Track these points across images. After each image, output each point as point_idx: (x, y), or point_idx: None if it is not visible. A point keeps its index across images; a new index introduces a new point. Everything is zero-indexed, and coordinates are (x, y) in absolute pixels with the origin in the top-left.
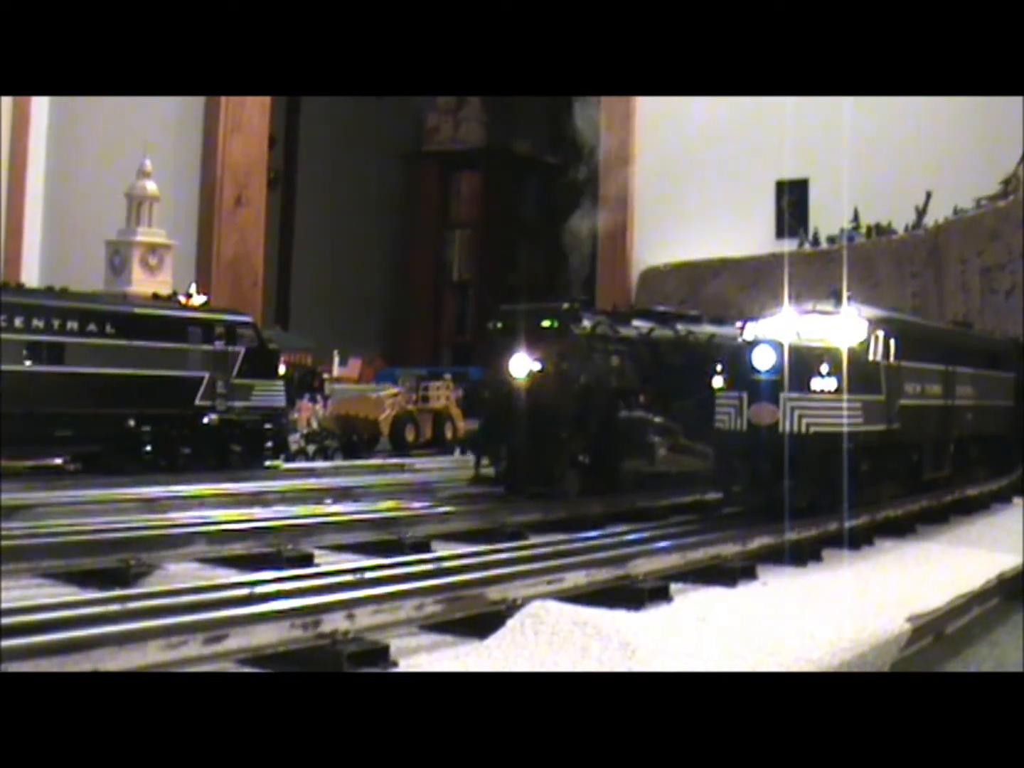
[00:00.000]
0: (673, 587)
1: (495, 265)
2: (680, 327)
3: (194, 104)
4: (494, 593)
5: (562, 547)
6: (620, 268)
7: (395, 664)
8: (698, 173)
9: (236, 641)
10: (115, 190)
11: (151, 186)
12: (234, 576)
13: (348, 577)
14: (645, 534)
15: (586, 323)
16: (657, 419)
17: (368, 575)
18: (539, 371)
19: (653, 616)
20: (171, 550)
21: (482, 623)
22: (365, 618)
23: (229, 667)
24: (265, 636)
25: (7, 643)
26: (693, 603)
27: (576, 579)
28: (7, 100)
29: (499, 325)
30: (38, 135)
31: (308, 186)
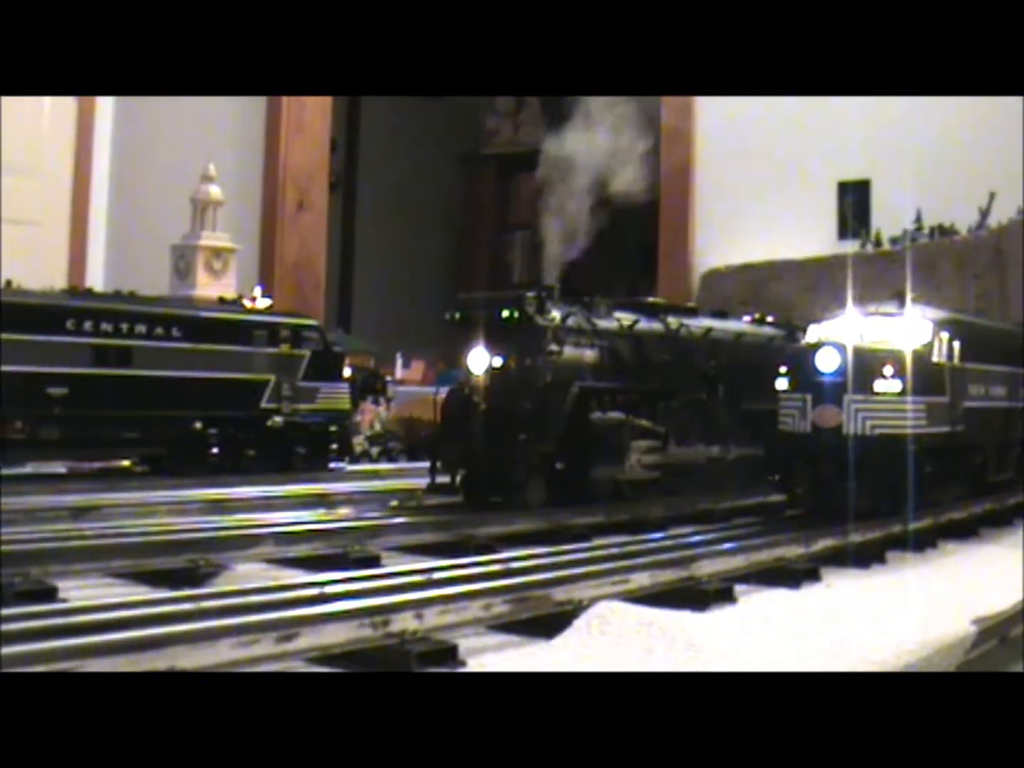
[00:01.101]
0: (737, 588)
1: (555, 267)
2: (672, 320)
3: (255, 109)
4: (561, 594)
5: (627, 548)
6: (681, 270)
7: (463, 664)
8: (758, 174)
9: (307, 640)
10: (178, 194)
11: (215, 190)
12: (303, 576)
13: (417, 577)
14: (708, 535)
15: (555, 314)
16: (640, 421)
17: (436, 575)
18: (499, 367)
19: (718, 617)
20: (239, 551)
21: (549, 624)
22: (433, 618)
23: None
24: (335, 635)
25: (83, 640)
26: (757, 604)
27: (641, 580)
28: (71, 105)
29: (456, 316)
30: (102, 140)
31: (369, 189)
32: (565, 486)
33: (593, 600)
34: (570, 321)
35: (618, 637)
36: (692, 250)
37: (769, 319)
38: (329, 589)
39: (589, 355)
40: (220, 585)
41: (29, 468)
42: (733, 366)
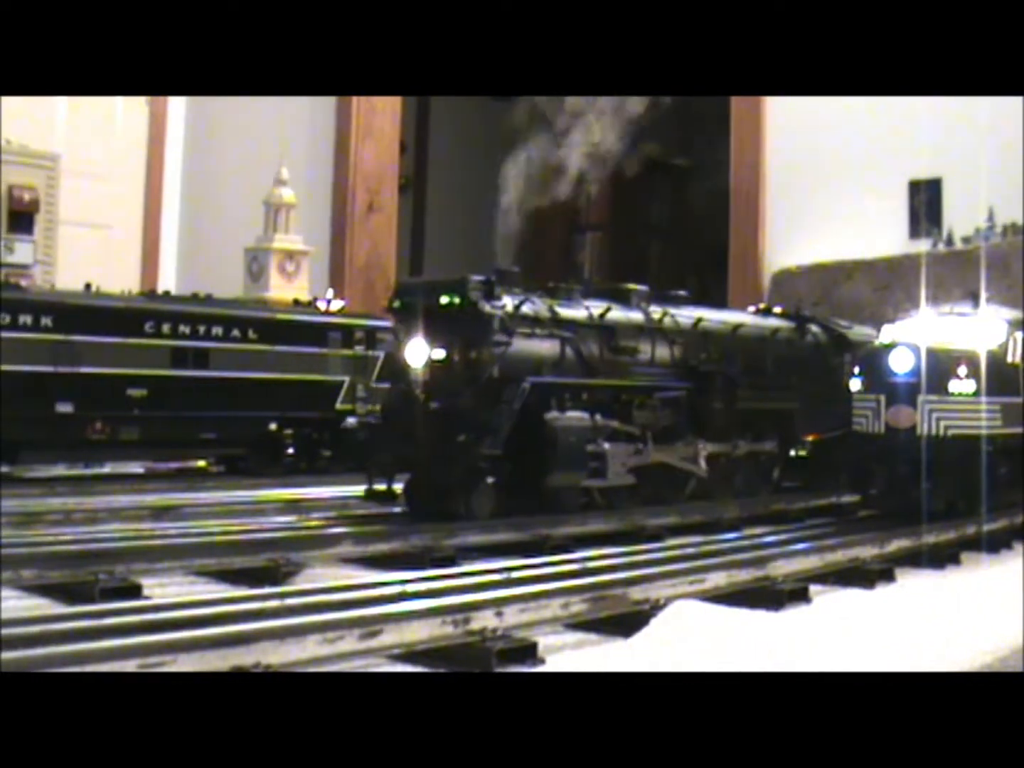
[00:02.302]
0: (812, 589)
1: (626, 268)
2: (654, 309)
3: (325, 112)
4: (637, 593)
5: (702, 548)
6: (752, 270)
7: (542, 661)
8: (829, 173)
9: (390, 637)
10: (250, 197)
11: (288, 193)
12: (382, 575)
13: (495, 576)
14: (782, 536)
15: (506, 300)
16: (608, 422)
17: (515, 574)
18: (441, 360)
19: (793, 617)
20: (317, 550)
21: (626, 622)
22: (513, 616)
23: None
24: (417, 633)
25: (171, 636)
26: (832, 605)
27: (717, 580)
28: (143, 111)
29: (397, 304)
30: (175, 143)
31: (438, 191)
32: (524, 494)
33: (669, 599)
34: (525, 309)
35: (694, 636)
36: (763, 250)
37: (776, 310)
38: (410, 587)
39: (547, 347)
40: (300, 583)
41: (108, 468)
42: (729, 360)
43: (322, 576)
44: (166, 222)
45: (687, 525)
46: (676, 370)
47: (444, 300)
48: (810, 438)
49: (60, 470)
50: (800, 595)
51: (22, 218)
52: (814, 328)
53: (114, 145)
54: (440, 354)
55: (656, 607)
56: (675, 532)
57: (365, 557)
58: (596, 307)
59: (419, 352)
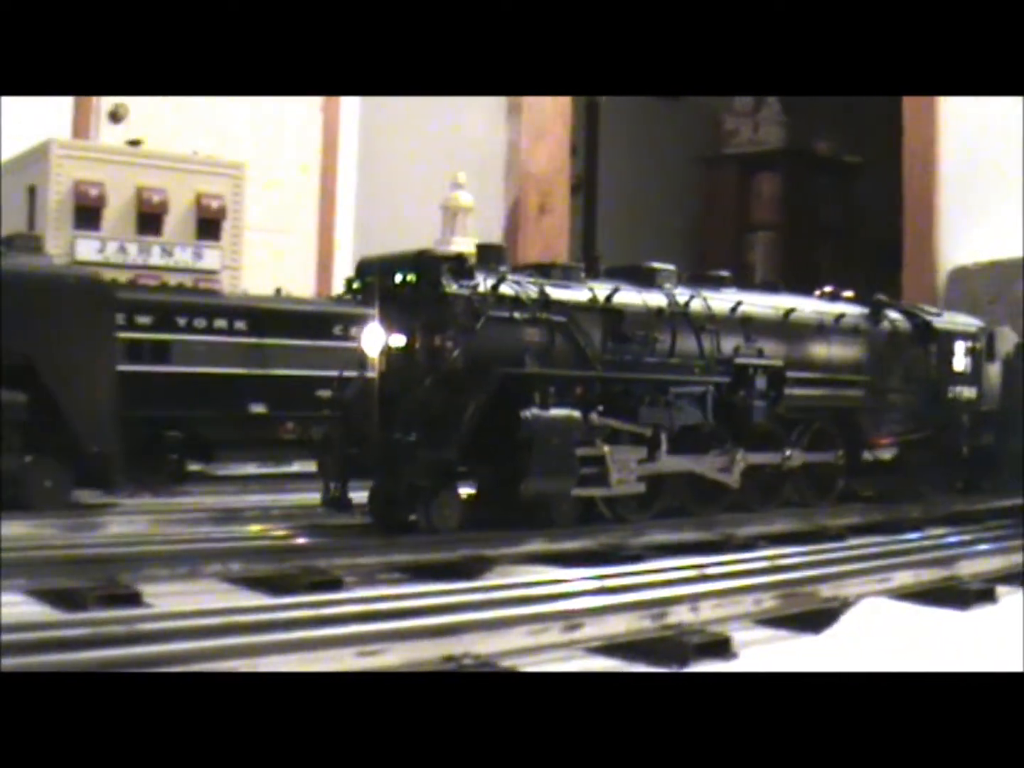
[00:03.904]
0: (998, 589)
1: (798, 267)
2: (679, 292)
3: (497, 115)
4: (826, 590)
5: (887, 548)
6: (927, 268)
7: (735, 656)
8: (1007, 168)
9: (591, 630)
10: (423, 200)
11: (464, 198)
12: (573, 571)
13: (688, 573)
14: (965, 537)
15: (478, 279)
16: (608, 421)
17: (707, 571)
18: (401, 348)
19: (979, 616)
20: (511, 547)
21: (815, 619)
22: (707, 611)
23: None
24: (616, 626)
25: (386, 626)
26: (1018, 605)
27: (904, 579)
28: (318, 115)
29: (355, 285)
30: (348, 147)
31: (609, 191)
32: (505, 504)
33: (858, 597)
34: (504, 289)
35: (883, 634)
36: (937, 247)
37: (847, 294)
38: (608, 583)
39: (531, 333)
40: (491, 579)
41: (296, 467)
42: (775, 350)
43: (510, 572)
44: (340, 225)
45: (867, 525)
46: (704, 362)
47: (399, 279)
48: (886, 441)
49: (250, 469)
50: (986, 595)
51: (211, 225)
52: (892, 315)
53: (288, 151)
54: (399, 341)
55: (845, 604)
56: (856, 532)
57: (550, 554)
58: (602, 289)
59: (375, 339)
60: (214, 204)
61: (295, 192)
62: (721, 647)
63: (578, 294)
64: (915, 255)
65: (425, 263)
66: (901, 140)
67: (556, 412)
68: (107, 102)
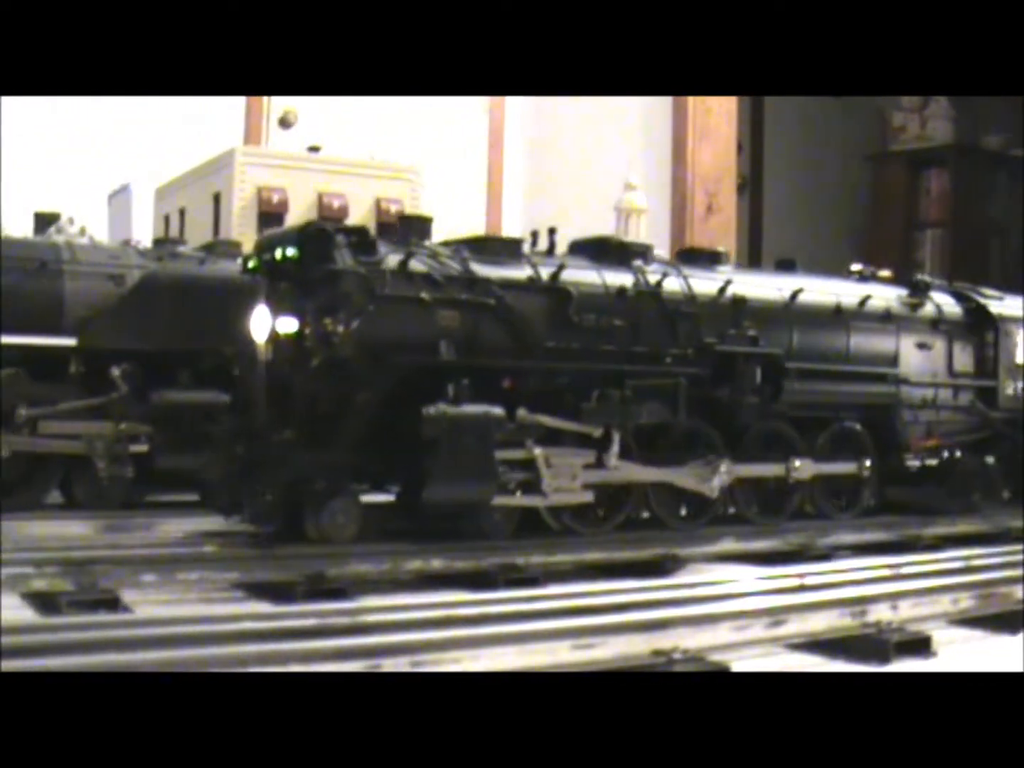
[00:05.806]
0: None
1: (968, 266)
2: (651, 270)
3: (663, 114)
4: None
5: None
6: None
7: (935, 654)
8: None
9: (795, 626)
10: (591, 201)
11: (636, 199)
12: (764, 571)
13: (883, 572)
14: None
15: (380, 254)
16: (539, 418)
17: (901, 571)
18: (291, 333)
19: None
20: (702, 547)
21: (1013, 620)
22: (907, 610)
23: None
24: (818, 623)
25: (599, 620)
26: None
27: None
28: (483, 120)
29: (251, 265)
30: (513, 148)
31: (775, 190)
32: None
33: None
34: (415, 264)
35: None
36: None
37: (884, 273)
38: (808, 580)
39: (447, 317)
40: (684, 577)
41: None
42: (775, 337)
43: (702, 571)
44: (507, 226)
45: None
46: (679, 351)
47: (279, 254)
48: (930, 444)
49: None
50: None
51: (389, 229)
52: (939, 298)
53: (454, 154)
54: (289, 325)
55: None
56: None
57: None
58: (548, 266)
59: (261, 323)
60: (393, 208)
61: (462, 194)
62: (922, 645)
63: (514, 271)
64: None
65: (311, 236)
66: None
67: (469, 408)
68: (277, 108)
